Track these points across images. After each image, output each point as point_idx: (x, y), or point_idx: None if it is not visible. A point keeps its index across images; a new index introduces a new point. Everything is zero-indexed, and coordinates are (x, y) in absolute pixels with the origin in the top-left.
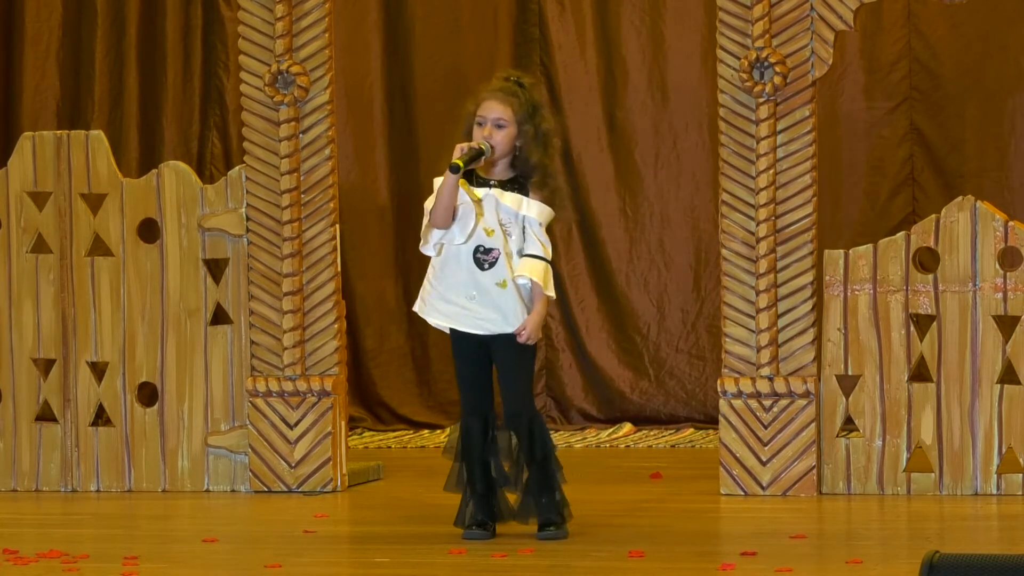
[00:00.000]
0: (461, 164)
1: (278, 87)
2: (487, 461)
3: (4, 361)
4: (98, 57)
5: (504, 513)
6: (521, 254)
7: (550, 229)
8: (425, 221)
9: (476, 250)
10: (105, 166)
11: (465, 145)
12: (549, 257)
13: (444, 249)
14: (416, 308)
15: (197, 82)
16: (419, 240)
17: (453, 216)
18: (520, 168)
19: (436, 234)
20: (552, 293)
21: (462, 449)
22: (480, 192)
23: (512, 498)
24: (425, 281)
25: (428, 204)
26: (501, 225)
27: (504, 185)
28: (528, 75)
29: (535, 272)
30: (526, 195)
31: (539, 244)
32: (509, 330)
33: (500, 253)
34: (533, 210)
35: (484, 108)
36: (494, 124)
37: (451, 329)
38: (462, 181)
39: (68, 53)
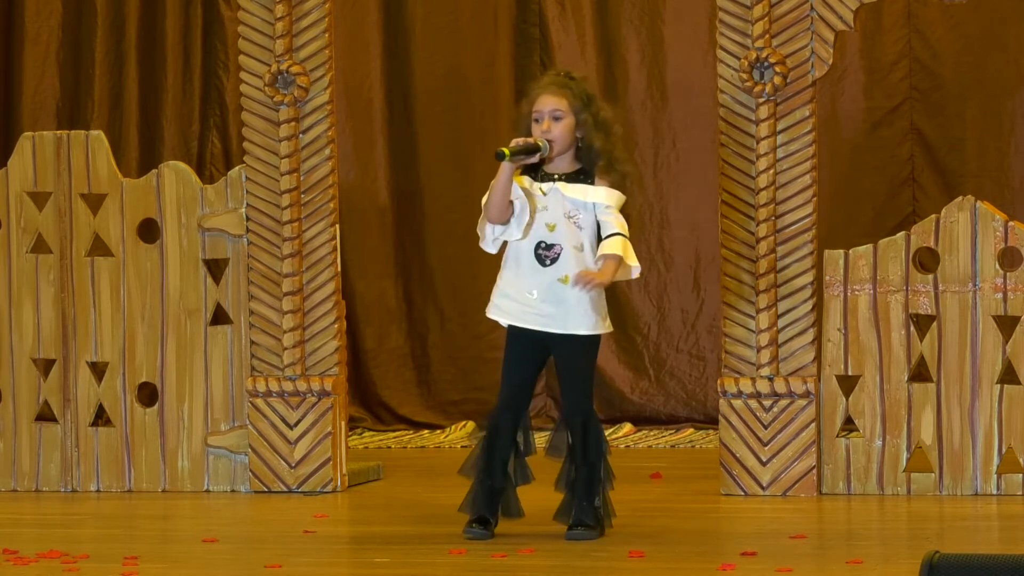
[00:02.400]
0: (507, 152)
1: (278, 87)
2: (508, 459)
3: (4, 361)
4: (98, 57)
5: (515, 510)
6: (601, 237)
7: (626, 214)
8: (481, 217)
9: (537, 246)
10: (105, 166)
11: (521, 139)
12: (626, 232)
13: (507, 246)
14: (487, 312)
15: (197, 82)
16: (420, 240)
17: (511, 211)
18: (585, 158)
19: (491, 229)
20: (635, 263)
21: (487, 442)
22: (545, 187)
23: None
24: (495, 283)
25: (484, 200)
26: (568, 217)
27: (569, 177)
28: (575, 71)
29: (614, 247)
30: (592, 184)
31: (613, 223)
32: (571, 328)
33: (562, 248)
34: (600, 195)
35: (539, 103)
36: (551, 116)
37: (508, 325)
38: (519, 177)
39: (68, 53)
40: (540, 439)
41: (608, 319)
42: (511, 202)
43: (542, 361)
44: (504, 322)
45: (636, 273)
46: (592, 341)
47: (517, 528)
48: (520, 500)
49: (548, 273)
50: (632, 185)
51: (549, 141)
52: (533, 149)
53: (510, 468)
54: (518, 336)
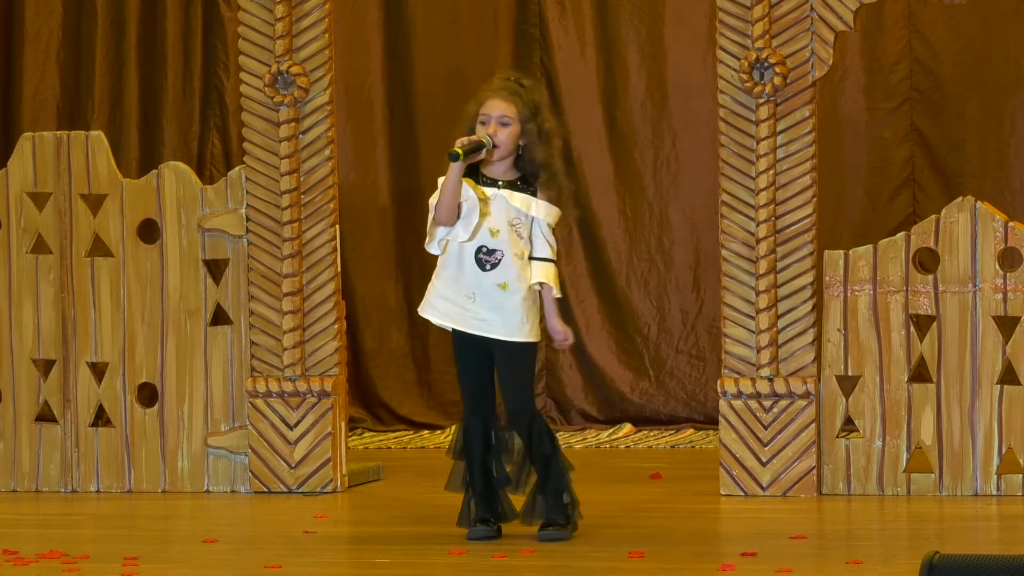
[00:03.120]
0: (461, 152)
1: (278, 87)
2: (487, 461)
3: (4, 361)
4: (98, 57)
5: (507, 513)
6: (530, 257)
7: (555, 228)
8: (430, 218)
9: (479, 250)
10: (105, 166)
11: (466, 138)
12: (555, 258)
13: (448, 247)
14: (419, 309)
15: (197, 83)
16: (420, 240)
17: (458, 213)
18: (525, 167)
19: (441, 231)
20: (558, 293)
21: (462, 449)
22: (489, 192)
23: (518, 499)
24: (430, 282)
25: (432, 200)
26: (512, 225)
27: (512, 185)
28: (528, 76)
29: (548, 276)
30: (534, 195)
31: (547, 246)
32: (508, 335)
33: (503, 254)
34: (542, 211)
35: (488, 106)
36: (499, 122)
37: (452, 329)
38: (468, 180)
39: (68, 53)
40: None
41: (538, 327)
42: (459, 203)
43: (490, 360)
44: (441, 323)
45: (559, 298)
46: (530, 345)
47: (517, 528)
48: (511, 501)
49: (488, 278)
50: (569, 199)
51: (494, 141)
52: (479, 147)
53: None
54: (463, 340)
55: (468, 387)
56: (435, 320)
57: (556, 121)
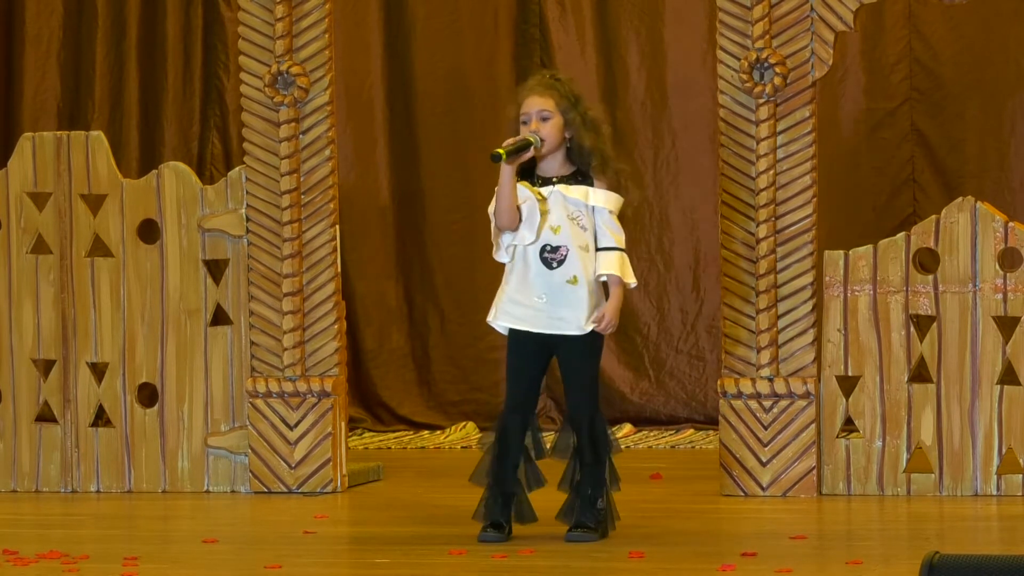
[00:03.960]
0: (503, 152)
1: (278, 88)
2: (519, 462)
3: (4, 361)
4: (98, 58)
5: (528, 515)
6: (597, 248)
7: (622, 213)
8: (493, 226)
9: (543, 249)
10: (105, 167)
11: (511, 139)
12: (623, 245)
13: (514, 252)
14: (488, 318)
15: (197, 83)
16: (420, 241)
17: (519, 216)
18: (577, 159)
19: (506, 237)
20: (632, 280)
21: (497, 447)
22: (544, 191)
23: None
24: (499, 290)
25: (491, 208)
26: (571, 219)
27: (567, 180)
28: (561, 73)
29: (611, 265)
30: (591, 186)
31: (610, 235)
32: (580, 328)
33: (568, 250)
34: (600, 199)
35: (526, 105)
36: (539, 117)
37: (509, 329)
38: (524, 182)
39: (69, 54)
40: (547, 441)
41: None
42: (518, 206)
43: (546, 363)
44: (515, 327)
45: (632, 286)
46: (598, 341)
47: (517, 529)
48: (531, 505)
49: (556, 275)
50: (627, 182)
51: (540, 138)
52: (525, 145)
53: (521, 472)
54: (521, 340)
55: (517, 385)
56: (511, 325)
57: (600, 110)
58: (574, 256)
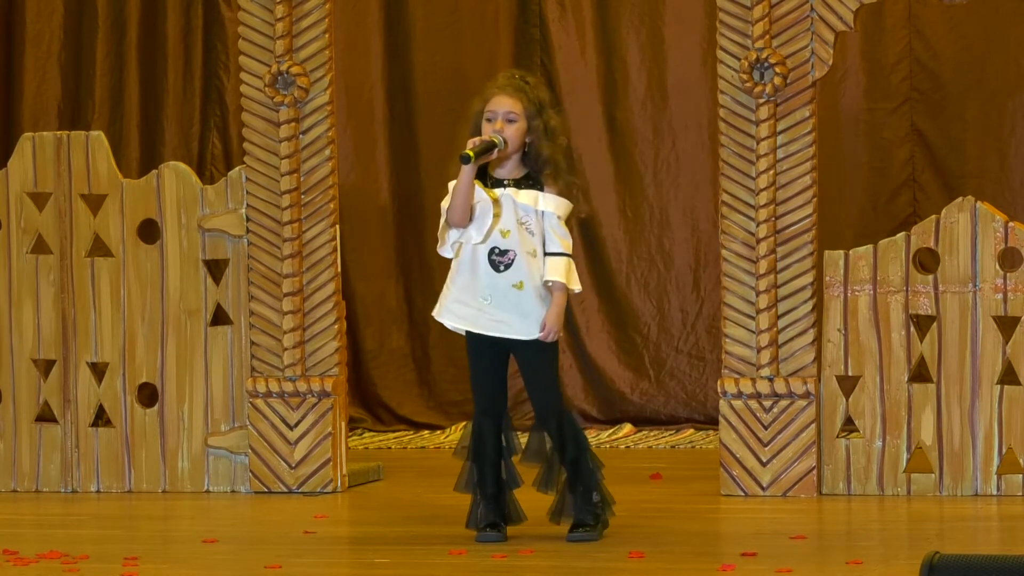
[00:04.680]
0: (472, 154)
1: (278, 87)
2: (498, 463)
3: (4, 361)
4: (99, 58)
5: (515, 515)
6: (545, 252)
7: (568, 221)
8: (442, 221)
9: (491, 252)
10: (105, 167)
11: (477, 139)
12: (569, 251)
13: (461, 250)
14: (433, 313)
15: (197, 83)
16: (421, 240)
17: (470, 215)
18: (531, 164)
19: (453, 234)
20: (577, 287)
21: (473, 451)
22: (497, 192)
23: (542, 498)
24: (444, 286)
25: (444, 204)
26: (521, 223)
27: (518, 183)
28: (531, 74)
29: (557, 271)
30: (541, 191)
31: (558, 240)
32: (527, 335)
33: (516, 254)
34: (550, 204)
35: (494, 103)
36: (505, 118)
37: (467, 332)
38: (477, 181)
39: (69, 54)
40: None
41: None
42: (472, 206)
43: (505, 361)
44: (456, 327)
45: (576, 292)
46: (550, 343)
47: (517, 529)
48: (520, 504)
49: (503, 278)
50: (578, 193)
51: (504, 139)
52: (491, 146)
53: (501, 472)
54: (478, 341)
55: (482, 388)
56: (451, 324)
57: (560, 118)
58: (521, 261)
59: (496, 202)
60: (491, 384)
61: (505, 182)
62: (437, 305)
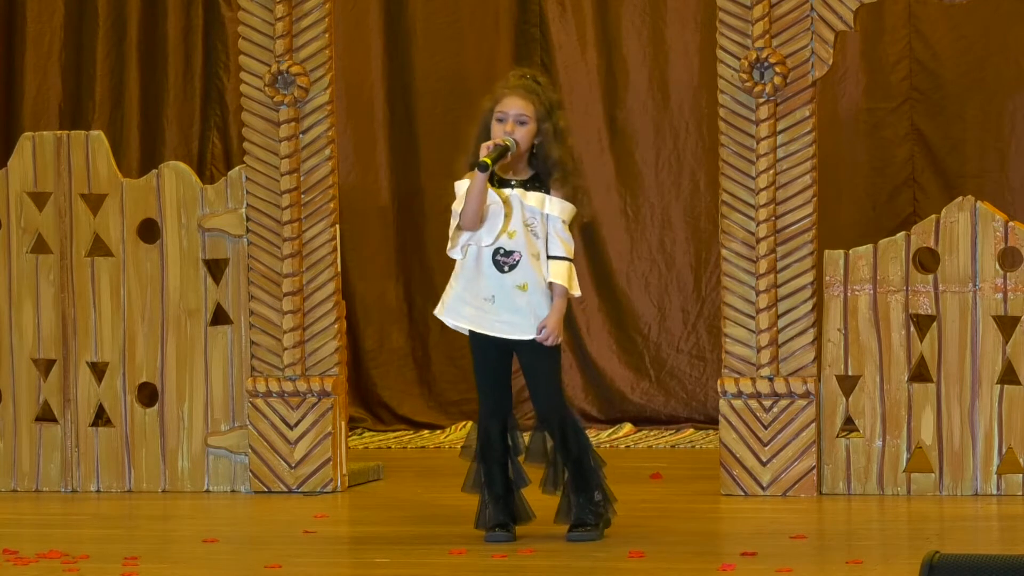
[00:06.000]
0: (489, 162)
1: (278, 87)
2: (505, 463)
3: (4, 361)
4: (99, 58)
5: (524, 514)
6: (548, 256)
7: (572, 226)
8: (453, 224)
9: (496, 252)
10: (105, 166)
11: (491, 143)
12: (571, 255)
13: (467, 251)
14: (436, 312)
15: (198, 82)
16: (421, 240)
17: (482, 218)
18: (539, 166)
19: (464, 236)
20: (577, 291)
21: (480, 452)
22: (505, 192)
23: (549, 499)
24: (448, 285)
25: (456, 207)
26: (526, 225)
27: (525, 184)
28: (542, 74)
29: (560, 275)
30: (548, 193)
31: (560, 244)
32: (530, 335)
33: (521, 255)
34: (555, 208)
35: (505, 104)
36: (516, 120)
37: (470, 332)
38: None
39: (69, 54)
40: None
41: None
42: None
43: (509, 361)
44: (459, 326)
45: (576, 296)
46: (553, 345)
47: (525, 528)
48: (527, 503)
49: (507, 279)
50: (583, 197)
51: (516, 141)
52: (504, 151)
53: (509, 472)
54: (482, 342)
55: (487, 389)
56: (453, 323)
57: (568, 119)
58: (526, 262)
59: (506, 203)
60: (496, 385)
61: (512, 183)
62: (439, 303)
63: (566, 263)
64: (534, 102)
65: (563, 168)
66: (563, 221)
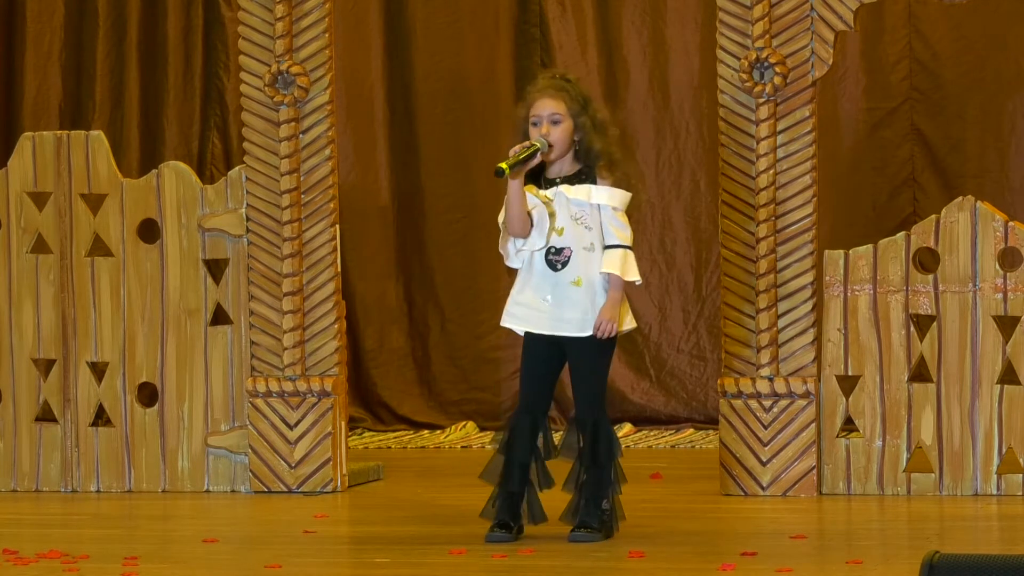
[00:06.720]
0: (505, 167)
1: (278, 87)
2: (527, 462)
3: (4, 361)
4: (99, 58)
5: (536, 515)
6: (604, 246)
7: (631, 213)
8: (502, 236)
9: (548, 252)
10: (105, 166)
11: (517, 146)
12: (628, 242)
13: (524, 258)
14: (502, 321)
15: (198, 82)
16: (421, 240)
17: (531, 222)
18: (584, 160)
19: (517, 243)
20: (635, 278)
21: (506, 445)
22: (548, 193)
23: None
24: (509, 295)
25: (500, 217)
26: (575, 220)
27: (570, 180)
28: (570, 72)
29: (612, 264)
30: (594, 183)
31: (614, 232)
32: (585, 332)
33: (572, 251)
34: (603, 196)
35: (537, 107)
36: (550, 120)
37: (525, 332)
38: (530, 187)
39: (70, 54)
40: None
41: (630, 313)
42: (529, 213)
43: (559, 364)
44: (519, 329)
45: (637, 283)
46: (608, 343)
47: (531, 529)
48: (541, 505)
49: (560, 277)
50: (635, 182)
51: (548, 142)
52: (533, 151)
53: (532, 473)
54: (534, 341)
55: (529, 386)
56: (514, 327)
57: (609, 111)
58: (578, 257)
59: (549, 203)
60: (538, 383)
61: (557, 180)
62: (504, 312)
63: (620, 250)
64: (565, 99)
65: (609, 157)
66: (614, 208)
